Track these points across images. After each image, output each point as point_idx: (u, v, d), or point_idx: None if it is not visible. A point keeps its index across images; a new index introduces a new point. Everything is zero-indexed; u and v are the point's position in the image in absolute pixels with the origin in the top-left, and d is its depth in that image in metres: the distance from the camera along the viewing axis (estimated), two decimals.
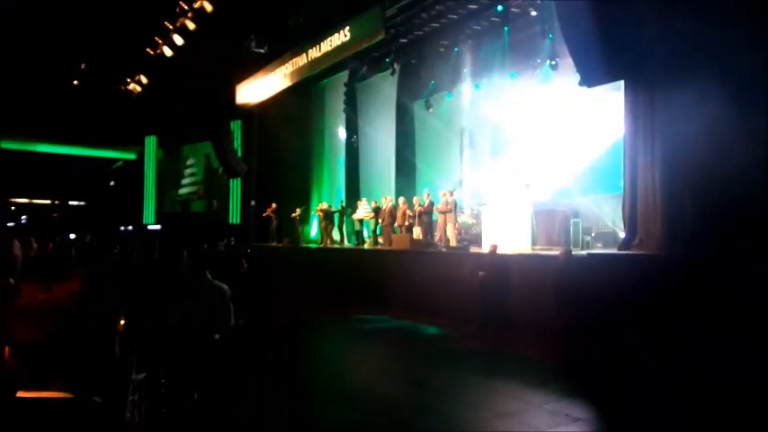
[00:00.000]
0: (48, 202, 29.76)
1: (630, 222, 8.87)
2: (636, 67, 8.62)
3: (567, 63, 12.09)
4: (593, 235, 11.71)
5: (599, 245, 11.68)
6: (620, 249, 9.06)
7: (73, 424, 1.68)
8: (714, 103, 7.34)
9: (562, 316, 7.73)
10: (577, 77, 9.93)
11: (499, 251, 9.55)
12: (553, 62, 13.27)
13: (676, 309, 7.08)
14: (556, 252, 8.90)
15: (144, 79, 23.24)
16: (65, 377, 1.72)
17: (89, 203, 30.32)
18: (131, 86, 23.62)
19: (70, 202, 30.20)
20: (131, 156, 29.49)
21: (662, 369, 6.52)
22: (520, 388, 6.42)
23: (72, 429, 1.67)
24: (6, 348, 1.71)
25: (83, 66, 23.52)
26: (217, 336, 4.05)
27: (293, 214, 17.95)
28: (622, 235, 9.61)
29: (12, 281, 3.90)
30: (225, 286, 4.20)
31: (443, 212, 12.74)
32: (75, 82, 23.97)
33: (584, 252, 9.77)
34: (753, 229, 7.13)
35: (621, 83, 9.46)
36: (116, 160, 30.09)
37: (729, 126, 7.39)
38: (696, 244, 7.61)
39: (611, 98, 11.80)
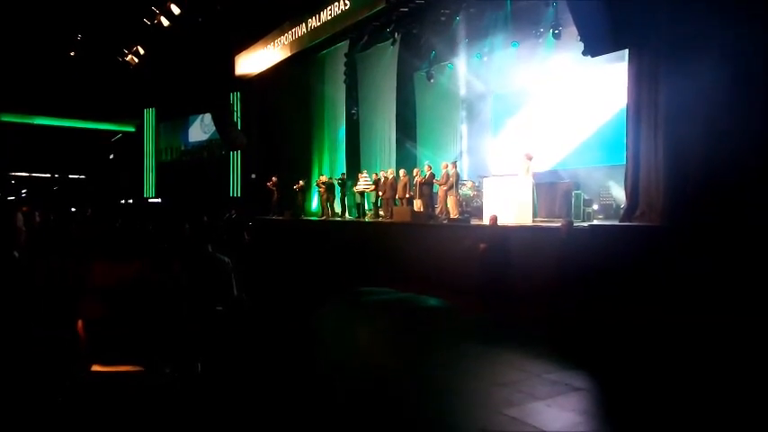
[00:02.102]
0: (47, 175, 29.69)
1: (632, 193, 8.85)
2: (641, 36, 8.50)
3: (571, 32, 11.92)
4: (595, 207, 11.69)
5: (600, 216, 11.68)
6: (621, 221, 9.06)
7: (147, 396, 1.76)
8: (720, 74, 7.25)
9: (563, 287, 7.76)
10: (581, 46, 9.80)
11: (500, 223, 9.55)
12: (556, 31, 13.06)
13: (678, 279, 7.11)
14: (557, 224, 8.91)
15: (141, 50, 22.94)
16: (136, 351, 1.80)
17: (89, 177, 30.25)
18: (129, 58, 23.32)
19: (70, 176, 30.13)
20: (130, 128, 29.33)
21: (663, 340, 6.57)
22: (520, 358, 6.49)
23: (146, 401, 1.76)
24: (80, 322, 1.77)
25: (79, 37, 23.18)
26: (220, 308, 4.07)
27: (295, 186, 17.90)
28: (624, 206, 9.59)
29: (16, 254, 3.91)
30: (227, 259, 4.20)
31: (444, 185, 12.71)
32: (71, 53, 23.65)
33: (585, 224, 9.77)
34: (755, 199, 7.11)
35: (625, 53, 9.34)
36: (115, 133, 29.93)
37: (734, 97, 7.32)
38: (698, 215, 7.60)
39: (615, 68, 11.66)
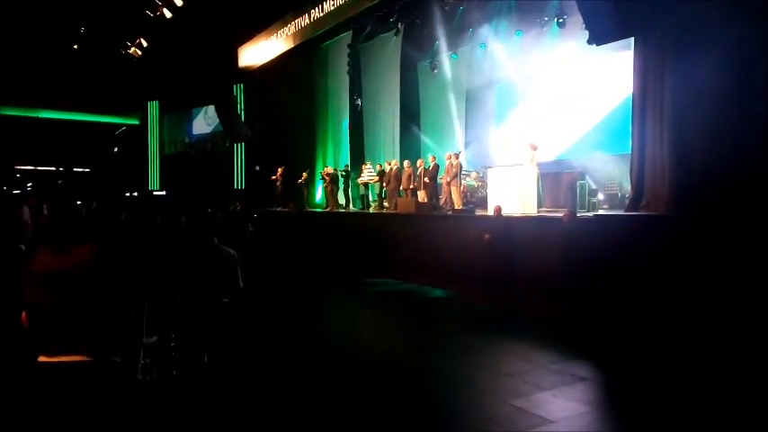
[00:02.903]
0: (52, 168, 29.79)
1: (638, 183, 8.80)
2: (647, 24, 8.40)
3: (575, 20, 11.84)
4: (600, 197, 11.65)
5: (606, 206, 11.63)
6: (627, 211, 9.02)
7: (94, 386, 1.70)
8: (725, 64, 7.19)
9: (569, 277, 7.75)
10: (585, 35, 9.73)
11: (504, 213, 9.53)
12: (561, 20, 12.98)
13: (683, 270, 7.09)
14: (560, 214, 8.88)
15: (144, 43, 22.90)
16: (83, 341, 1.74)
17: (93, 170, 30.33)
18: (132, 50, 23.29)
19: (75, 169, 30.22)
20: (134, 121, 29.36)
21: (667, 330, 6.56)
22: (525, 348, 6.50)
23: (93, 391, 1.70)
24: (23, 313, 1.73)
25: (82, 30, 23.15)
26: (226, 300, 4.08)
27: (299, 179, 17.90)
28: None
29: (23, 247, 3.91)
30: (232, 251, 4.21)
31: (448, 175, 12.68)
32: (75, 46, 23.63)
33: (590, 214, 9.73)
34: (761, 190, 7.06)
35: (631, 41, 9.26)
36: (119, 126, 29.96)
37: (740, 88, 7.25)
38: (703, 205, 7.56)
39: (620, 57, 11.58)
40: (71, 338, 1.70)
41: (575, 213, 8.52)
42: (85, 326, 1.71)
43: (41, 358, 1.70)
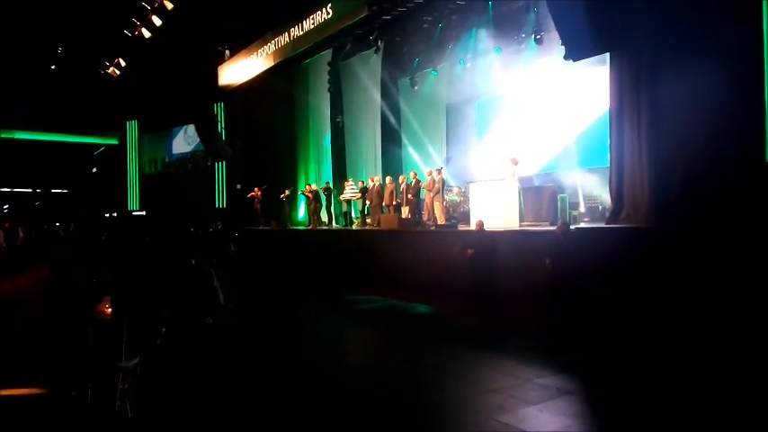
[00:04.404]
0: (29, 190, 29.30)
1: (617, 196, 8.90)
2: (622, 39, 8.57)
3: (552, 37, 12.00)
4: (581, 210, 11.75)
5: (587, 219, 11.74)
6: (607, 223, 9.11)
7: (48, 420, 1.63)
8: (700, 77, 7.34)
9: (551, 290, 7.78)
10: (562, 51, 9.87)
11: (487, 228, 9.56)
12: (538, 36, 13.17)
13: (663, 281, 7.15)
14: (545, 227, 8.93)
15: (123, 62, 22.78)
16: (38, 371, 1.67)
17: (72, 191, 29.90)
18: (110, 70, 23.15)
19: (53, 190, 29.76)
20: (113, 141, 29.08)
21: (652, 342, 6.60)
22: (510, 363, 6.47)
23: (48, 426, 1.62)
24: None
25: (59, 50, 22.97)
26: (210, 320, 4.03)
27: (281, 196, 17.82)
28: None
29: None
30: (211, 270, 4.16)
31: (430, 191, 12.71)
32: (52, 67, 23.42)
33: (572, 227, 9.80)
34: (738, 201, 7.19)
35: (607, 56, 9.41)
36: (98, 146, 29.64)
37: (715, 99, 7.40)
38: (682, 216, 7.66)
39: (597, 72, 11.76)
40: (23, 369, 1.63)
41: (568, 225, 8.56)
42: (38, 355, 1.64)
43: None
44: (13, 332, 1.56)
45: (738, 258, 6.67)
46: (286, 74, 18.75)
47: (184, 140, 26.65)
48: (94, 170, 30.04)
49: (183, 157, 26.90)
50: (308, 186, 17.30)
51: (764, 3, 7.20)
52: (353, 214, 16.26)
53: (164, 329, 3.97)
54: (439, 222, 12.36)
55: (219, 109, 22.92)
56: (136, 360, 3.79)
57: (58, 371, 1.65)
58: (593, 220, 11.60)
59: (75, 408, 1.74)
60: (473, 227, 9.86)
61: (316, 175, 19.27)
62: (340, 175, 18.02)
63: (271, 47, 17.16)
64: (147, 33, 19.80)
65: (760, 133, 7.29)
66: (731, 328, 6.17)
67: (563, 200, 11.06)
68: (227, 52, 19.49)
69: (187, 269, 4.07)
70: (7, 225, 10.88)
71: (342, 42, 16.61)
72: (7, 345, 1.58)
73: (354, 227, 15.58)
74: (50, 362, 1.63)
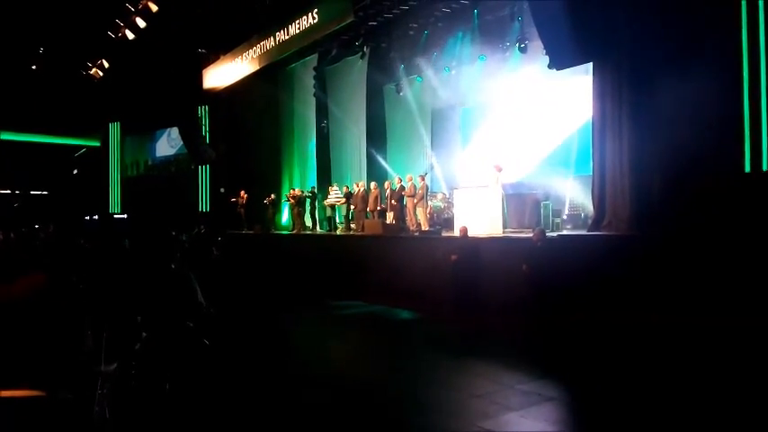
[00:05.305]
0: (8, 192, 28.80)
1: (599, 204, 9.00)
2: (604, 49, 8.70)
3: (536, 46, 12.14)
4: (564, 217, 11.86)
5: (569, 226, 11.84)
6: (589, 230, 9.20)
7: (46, 422, 1.61)
8: (682, 86, 7.46)
9: (533, 297, 7.83)
10: (546, 60, 9.99)
11: (470, 234, 9.60)
12: (522, 45, 13.31)
13: (645, 287, 7.23)
14: (528, 234, 8.98)
15: (106, 63, 22.52)
16: (34, 374, 1.64)
17: (52, 193, 29.43)
18: (93, 71, 22.87)
19: (32, 192, 29.27)
20: (95, 143, 28.69)
21: (631, 346, 6.66)
22: (493, 369, 6.49)
23: (45, 427, 1.61)
24: None
25: (41, 50, 22.66)
26: (191, 324, 3.97)
27: (265, 200, 17.72)
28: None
29: None
30: (191, 274, 4.10)
31: (413, 197, 12.73)
32: (33, 67, 23.09)
33: (554, 234, 9.89)
34: (718, 210, 7.31)
35: (590, 66, 9.54)
36: (79, 148, 29.24)
37: (696, 109, 7.53)
38: (664, 224, 7.77)
39: (580, 81, 11.91)
40: (19, 372, 1.60)
41: (544, 232, 8.63)
42: (34, 358, 1.62)
43: None
44: (10, 335, 1.54)
45: (717, 266, 6.78)
46: (271, 78, 18.68)
47: (168, 143, 26.40)
48: (75, 172, 29.62)
49: (167, 160, 26.63)
50: (291, 191, 17.23)
51: (744, 14, 7.35)
52: (338, 219, 16.23)
53: (144, 334, 3.90)
54: (423, 228, 12.38)
55: (204, 112, 22.76)
56: (115, 365, 3.72)
57: (57, 374, 1.63)
58: (575, 227, 11.70)
59: (70, 409, 1.72)
60: (457, 233, 9.90)
61: (300, 179, 19.21)
62: (324, 179, 17.98)
63: (256, 50, 17.09)
64: (130, 35, 19.61)
65: (739, 142, 7.44)
66: (710, 332, 6.26)
67: (546, 207, 11.15)
68: (212, 56, 19.37)
69: (167, 273, 4.01)
70: None
71: (328, 47, 16.63)
72: (7, 346, 1.56)
73: (338, 232, 15.54)
74: (48, 365, 1.61)
